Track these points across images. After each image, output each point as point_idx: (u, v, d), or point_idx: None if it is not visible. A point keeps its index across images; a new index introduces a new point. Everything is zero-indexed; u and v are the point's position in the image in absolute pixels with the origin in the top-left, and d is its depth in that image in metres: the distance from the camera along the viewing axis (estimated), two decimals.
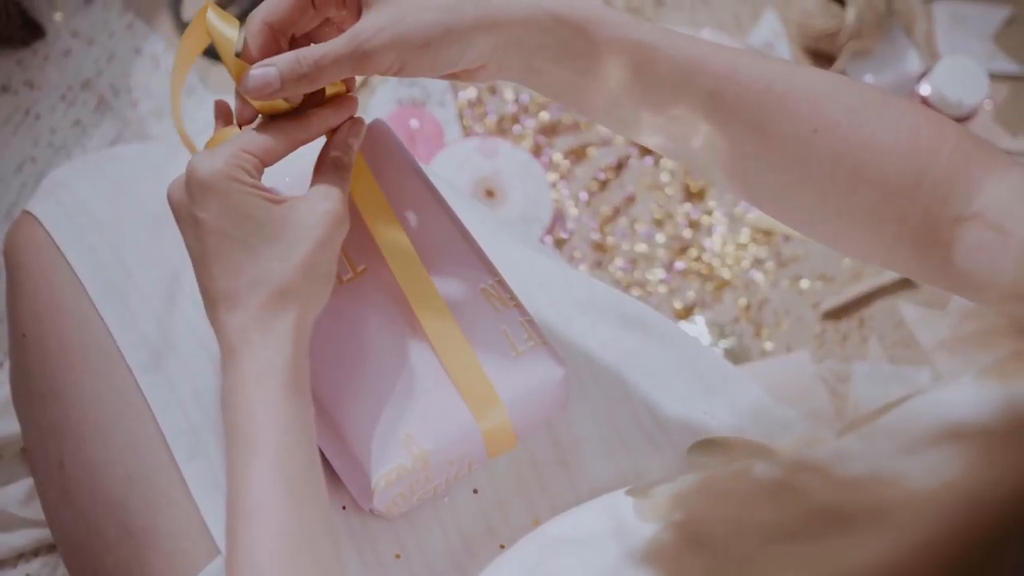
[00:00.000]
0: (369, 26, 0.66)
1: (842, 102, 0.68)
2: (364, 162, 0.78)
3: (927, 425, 0.44)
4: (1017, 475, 0.38)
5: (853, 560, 0.40)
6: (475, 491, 0.81)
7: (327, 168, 0.71)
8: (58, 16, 1.37)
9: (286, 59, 0.67)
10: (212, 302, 0.68)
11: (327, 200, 0.69)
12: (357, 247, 0.78)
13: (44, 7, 1.37)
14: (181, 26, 1.38)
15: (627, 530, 0.68)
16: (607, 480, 0.82)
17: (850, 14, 1.47)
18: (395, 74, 0.69)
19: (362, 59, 0.67)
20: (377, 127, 0.79)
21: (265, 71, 0.67)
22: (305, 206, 0.68)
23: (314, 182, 0.71)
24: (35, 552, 1.03)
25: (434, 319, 0.76)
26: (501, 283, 0.78)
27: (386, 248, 0.77)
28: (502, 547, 0.79)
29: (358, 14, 0.68)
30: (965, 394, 0.51)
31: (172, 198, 0.69)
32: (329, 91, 0.72)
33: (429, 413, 0.75)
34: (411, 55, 0.67)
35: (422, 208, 0.79)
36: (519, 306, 0.78)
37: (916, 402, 0.57)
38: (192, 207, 0.67)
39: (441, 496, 0.80)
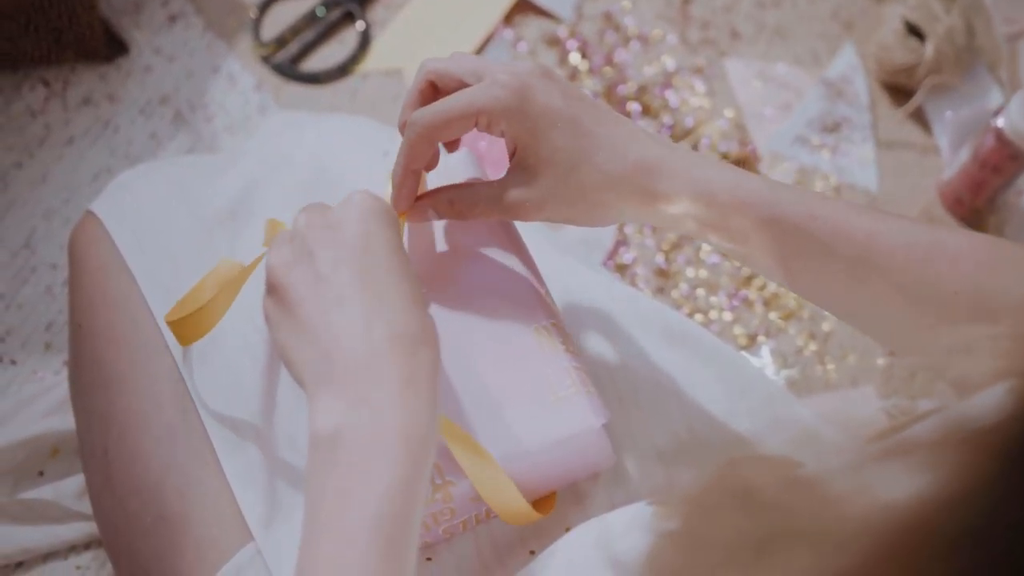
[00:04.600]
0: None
1: (982, 259, 0.68)
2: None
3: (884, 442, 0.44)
4: (947, 487, 0.38)
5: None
6: None
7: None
8: (142, 34, 1.42)
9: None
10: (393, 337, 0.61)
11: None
12: None
13: (129, 25, 1.41)
14: (261, 46, 1.42)
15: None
16: (642, 494, 0.82)
17: (928, 49, 1.45)
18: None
19: (508, 210, 0.73)
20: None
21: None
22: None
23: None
24: (86, 545, 1.04)
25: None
26: (557, 326, 0.77)
27: None
28: (532, 553, 0.79)
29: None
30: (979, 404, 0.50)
31: (363, 209, 0.65)
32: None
33: None
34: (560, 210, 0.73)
35: (489, 243, 0.79)
36: (571, 352, 0.76)
37: (941, 416, 0.56)
38: (380, 233, 0.65)
39: (475, 526, 0.78)
